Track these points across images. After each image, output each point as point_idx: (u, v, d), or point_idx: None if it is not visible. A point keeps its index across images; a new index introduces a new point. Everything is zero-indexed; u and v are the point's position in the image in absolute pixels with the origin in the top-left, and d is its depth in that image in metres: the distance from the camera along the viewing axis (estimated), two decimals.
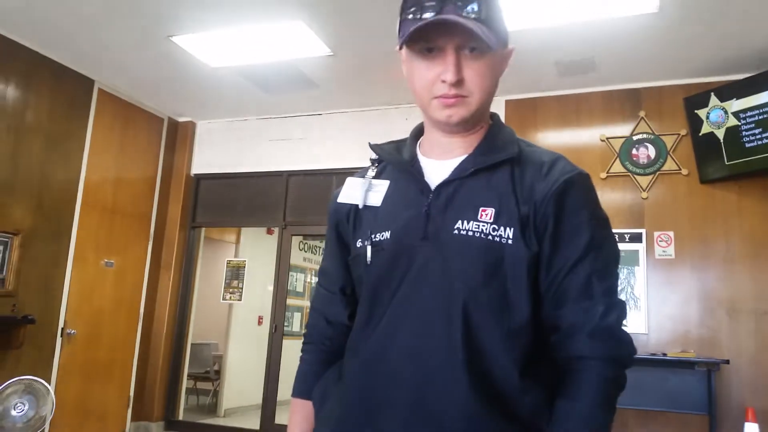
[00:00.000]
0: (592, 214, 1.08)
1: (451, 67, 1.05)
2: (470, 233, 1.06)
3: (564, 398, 1.02)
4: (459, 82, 1.06)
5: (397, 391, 1.03)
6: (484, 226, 1.06)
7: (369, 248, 1.13)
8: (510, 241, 1.05)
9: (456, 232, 1.06)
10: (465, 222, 1.07)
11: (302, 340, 1.32)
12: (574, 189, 1.08)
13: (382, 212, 1.16)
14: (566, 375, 1.03)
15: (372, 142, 1.25)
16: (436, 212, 1.09)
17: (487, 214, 1.07)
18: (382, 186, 1.19)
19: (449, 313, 1.03)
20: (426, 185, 1.13)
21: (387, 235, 1.12)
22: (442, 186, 1.11)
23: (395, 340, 1.06)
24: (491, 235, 1.05)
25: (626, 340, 1.05)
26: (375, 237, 1.14)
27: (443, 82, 1.06)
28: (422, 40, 1.06)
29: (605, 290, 1.05)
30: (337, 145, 5.67)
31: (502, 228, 1.05)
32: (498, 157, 1.11)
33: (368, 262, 1.13)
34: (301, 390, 1.26)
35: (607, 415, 1.00)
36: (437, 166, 1.15)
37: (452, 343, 1.02)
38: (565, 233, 1.06)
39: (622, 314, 1.06)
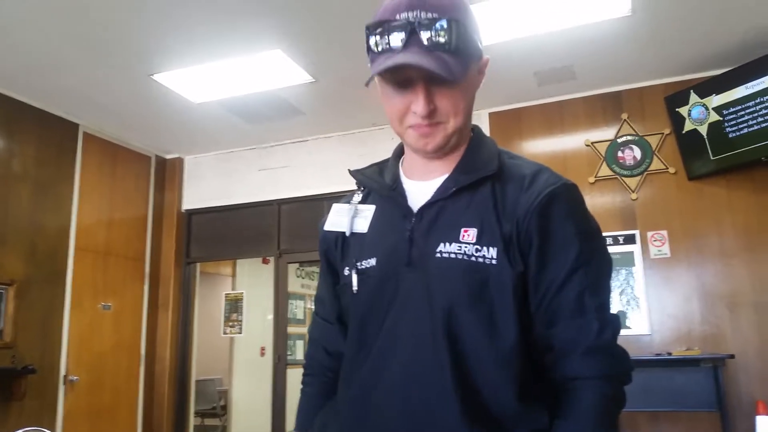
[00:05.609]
0: (579, 226, 1.04)
1: (422, 100, 1.02)
2: (452, 255, 1.02)
3: (561, 419, 0.97)
4: (431, 113, 1.04)
5: (389, 424, 1.01)
6: (466, 247, 1.02)
7: (355, 276, 1.11)
8: (494, 262, 1.01)
9: (438, 255, 1.03)
10: (447, 244, 1.03)
11: (302, 371, 1.31)
12: (558, 202, 1.03)
13: (368, 239, 1.14)
14: (563, 395, 0.99)
15: (351, 169, 1.23)
16: (419, 236, 1.06)
17: (469, 234, 1.03)
18: (369, 211, 1.17)
19: (435, 340, 1.00)
20: (409, 209, 1.10)
21: (373, 262, 1.10)
22: (424, 208, 1.09)
23: (385, 371, 1.04)
24: (474, 256, 1.01)
25: (623, 357, 1.01)
26: (361, 264, 1.11)
27: (415, 113, 1.05)
28: (389, 73, 1.03)
29: (598, 306, 1.01)
30: (325, 169, 5.68)
31: (485, 248, 1.01)
32: (478, 175, 1.07)
33: (354, 291, 1.11)
34: (303, 423, 1.25)
35: None
36: (420, 188, 1.13)
37: (441, 371, 0.99)
38: (551, 249, 1.02)
39: (617, 330, 1.02)
